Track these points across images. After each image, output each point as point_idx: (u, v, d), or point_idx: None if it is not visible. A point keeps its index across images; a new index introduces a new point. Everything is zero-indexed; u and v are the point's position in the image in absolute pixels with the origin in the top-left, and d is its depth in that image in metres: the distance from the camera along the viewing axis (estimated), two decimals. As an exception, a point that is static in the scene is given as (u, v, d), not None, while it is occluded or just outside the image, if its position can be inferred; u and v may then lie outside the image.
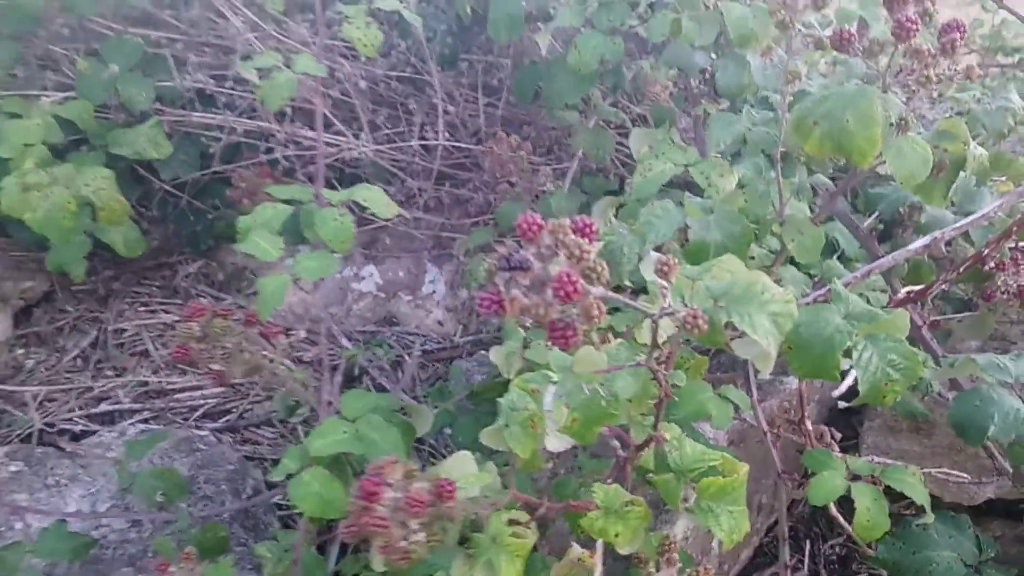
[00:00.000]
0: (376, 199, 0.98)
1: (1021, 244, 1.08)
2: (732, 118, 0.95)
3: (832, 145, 0.68)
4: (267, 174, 1.35)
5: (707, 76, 1.17)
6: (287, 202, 0.99)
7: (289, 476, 0.87)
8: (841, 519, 0.91)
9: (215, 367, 0.94)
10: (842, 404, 1.06)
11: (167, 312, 1.55)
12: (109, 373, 1.45)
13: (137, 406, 1.37)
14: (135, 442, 1.09)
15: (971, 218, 0.86)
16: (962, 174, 0.82)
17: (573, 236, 0.52)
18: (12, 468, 1.22)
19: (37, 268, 1.54)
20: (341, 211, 0.98)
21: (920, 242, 0.83)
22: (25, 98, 1.23)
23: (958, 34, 0.69)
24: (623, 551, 0.68)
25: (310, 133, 1.38)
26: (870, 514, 0.83)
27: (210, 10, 1.32)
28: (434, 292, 1.54)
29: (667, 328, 0.61)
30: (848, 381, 1.02)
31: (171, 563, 0.82)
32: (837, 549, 1.24)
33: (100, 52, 1.29)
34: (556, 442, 0.65)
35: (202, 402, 1.39)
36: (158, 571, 0.81)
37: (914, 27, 0.65)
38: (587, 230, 0.52)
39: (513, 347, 0.89)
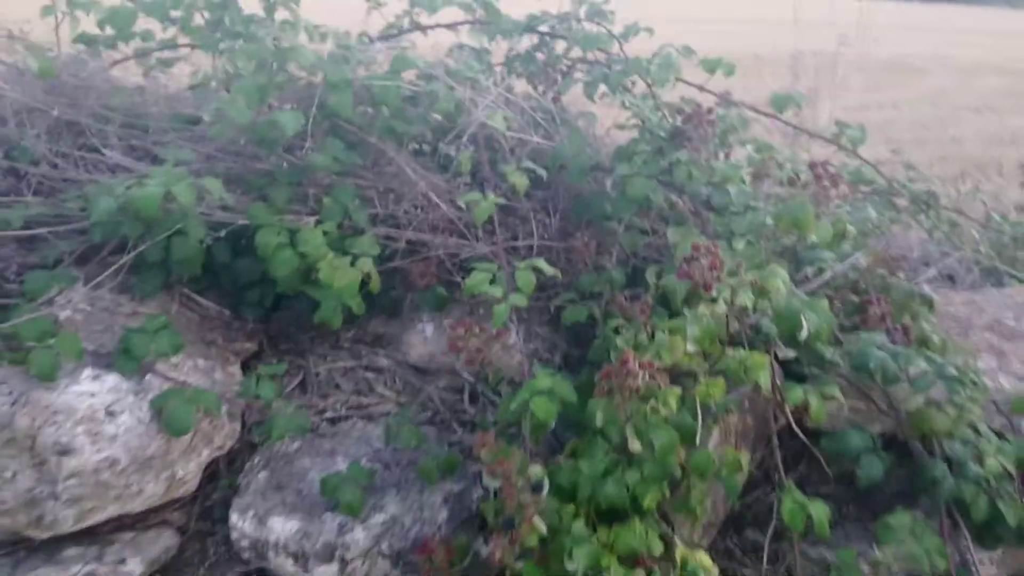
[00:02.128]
0: (545, 266, 1.83)
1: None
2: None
3: (790, 225, 1.57)
4: (433, 265, 2.18)
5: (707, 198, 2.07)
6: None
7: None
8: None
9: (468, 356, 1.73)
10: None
11: (340, 360, 2.30)
12: (317, 400, 2.17)
13: (349, 414, 2.11)
14: (396, 417, 1.85)
15: (848, 262, 1.77)
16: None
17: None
18: (295, 445, 1.94)
19: (252, 332, 2.27)
20: (528, 272, 1.81)
21: (842, 267, 1.72)
22: (298, 217, 2.03)
23: (830, 174, 1.61)
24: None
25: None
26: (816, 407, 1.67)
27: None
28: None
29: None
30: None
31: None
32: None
33: (333, 191, 2.10)
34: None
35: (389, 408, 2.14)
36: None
37: (822, 171, 1.54)
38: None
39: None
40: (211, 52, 2.39)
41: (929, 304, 2.17)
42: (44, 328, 1.67)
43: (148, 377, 1.74)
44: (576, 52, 2.58)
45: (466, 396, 2.25)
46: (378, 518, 1.76)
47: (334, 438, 1.99)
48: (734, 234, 1.81)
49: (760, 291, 1.46)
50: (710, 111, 2.02)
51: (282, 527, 1.73)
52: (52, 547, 1.68)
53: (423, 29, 2.63)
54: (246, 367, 2.22)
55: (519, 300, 1.77)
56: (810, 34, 5.70)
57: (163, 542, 1.74)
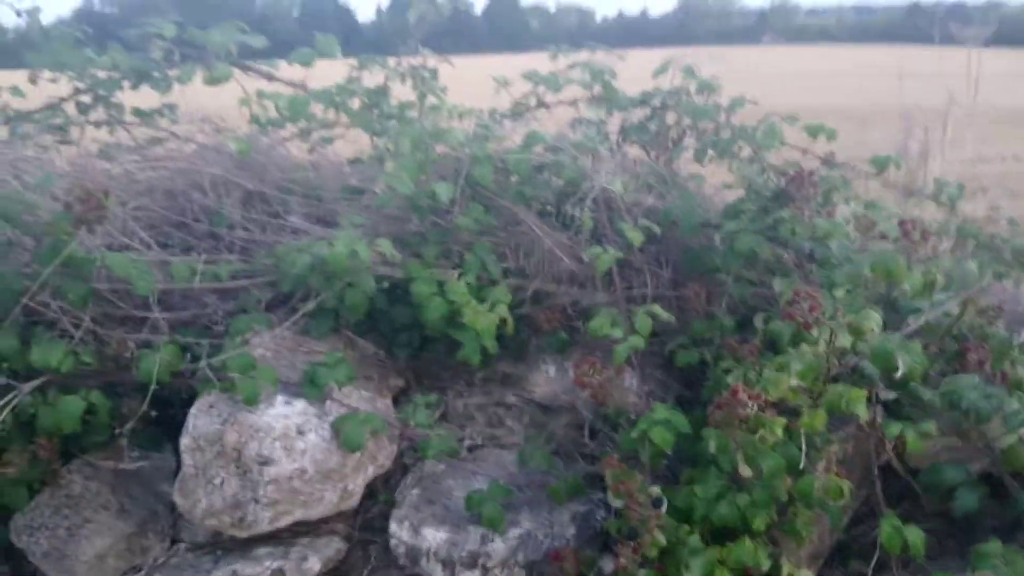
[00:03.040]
0: (659, 311, 2.08)
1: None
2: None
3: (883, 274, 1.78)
4: (557, 312, 2.47)
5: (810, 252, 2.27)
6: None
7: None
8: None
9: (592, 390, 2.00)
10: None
11: (475, 397, 2.60)
12: (457, 429, 2.47)
13: (483, 443, 2.40)
14: (528, 444, 2.13)
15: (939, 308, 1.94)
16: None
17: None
18: (440, 467, 2.24)
19: (401, 370, 2.61)
20: (645, 317, 2.07)
21: (934, 313, 1.90)
22: (444, 270, 2.36)
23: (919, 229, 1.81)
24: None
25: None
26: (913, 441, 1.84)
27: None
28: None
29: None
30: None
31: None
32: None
33: (473, 248, 2.42)
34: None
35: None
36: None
37: (910, 227, 1.75)
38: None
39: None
40: (369, 131, 2.80)
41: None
42: (246, 362, 2.03)
43: (328, 403, 2.08)
44: (686, 121, 2.85)
45: (586, 431, 2.50)
46: (514, 532, 2.02)
47: (473, 462, 2.28)
48: (835, 283, 2.02)
49: (856, 331, 1.66)
50: (812, 173, 2.24)
51: (433, 536, 2.02)
52: (245, 547, 2.02)
53: (547, 106, 2.97)
54: (396, 401, 2.55)
55: (637, 341, 2.02)
56: (918, 86, 5.77)
57: (334, 546, 2.06)
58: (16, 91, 2.81)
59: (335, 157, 3.17)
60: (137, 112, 3.03)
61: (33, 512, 2.05)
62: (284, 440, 1.94)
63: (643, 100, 2.82)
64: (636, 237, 2.24)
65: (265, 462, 1.91)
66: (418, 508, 2.10)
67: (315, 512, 2.00)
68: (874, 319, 1.71)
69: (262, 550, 1.99)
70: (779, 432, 1.65)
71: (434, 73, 2.75)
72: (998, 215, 2.66)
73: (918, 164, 4.29)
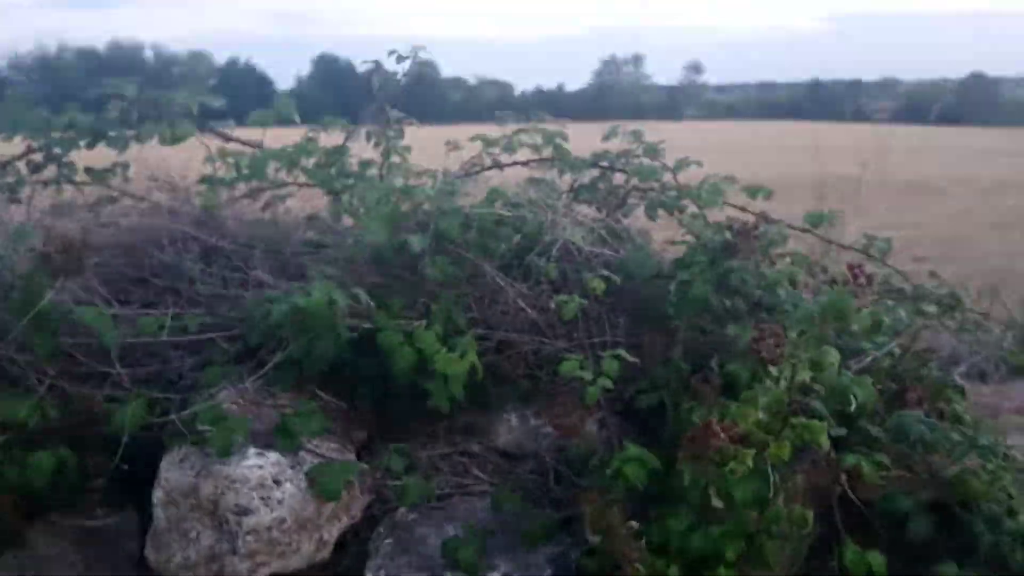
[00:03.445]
0: (626, 355, 2.18)
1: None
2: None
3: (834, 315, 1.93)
4: (520, 361, 2.53)
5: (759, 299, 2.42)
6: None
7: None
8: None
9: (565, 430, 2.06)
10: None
11: (439, 448, 2.63)
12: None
13: (451, 492, 2.43)
14: (498, 489, 2.17)
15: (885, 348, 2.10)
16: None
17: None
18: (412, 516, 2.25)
19: (363, 422, 2.62)
20: (612, 360, 2.16)
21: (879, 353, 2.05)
22: (409, 322, 2.41)
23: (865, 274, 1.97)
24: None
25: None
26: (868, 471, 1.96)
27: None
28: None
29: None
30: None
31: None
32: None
33: (439, 298, 2.49)
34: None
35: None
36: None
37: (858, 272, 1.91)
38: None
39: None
40: (327, 189, 2.87)
41: (961, 392, 2.47)
42: (216, 414, 2.03)
43: (301, 454, 2.08)
44: (633, 181, 3.02)
45: (551, 477, 2.55)
46: (492, 575, 2.04)
47: (443, 511, 2.30)
48: (786, 327, 2.16)
49: (816, 367, 1.79)
50: (756, 227, 2.41)
51: (414, 583, 2.02)
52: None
53: (501, 166, 3.09)
54: (358, 454, 2.56)
55: (605, 382, 2.11)
56: (831, 159, 6.18)
57: (310, 599, 2.04)
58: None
59: (288, 216, 3.21)
60: (89, 171, 3.02)
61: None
62: (261, 490, 1.93)
63: (593, 162, 2.97)
64: (598, 286, 2.35)
65: (243, 512, 1.89)
66: (392, 557, 2.11)
67: (292, 563, 1.99)
68: (833, 355, 1.84)
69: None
70: (749, 463, 1.74)
71: (399, 133, 2.85)
72: (922, 267, 2.88)
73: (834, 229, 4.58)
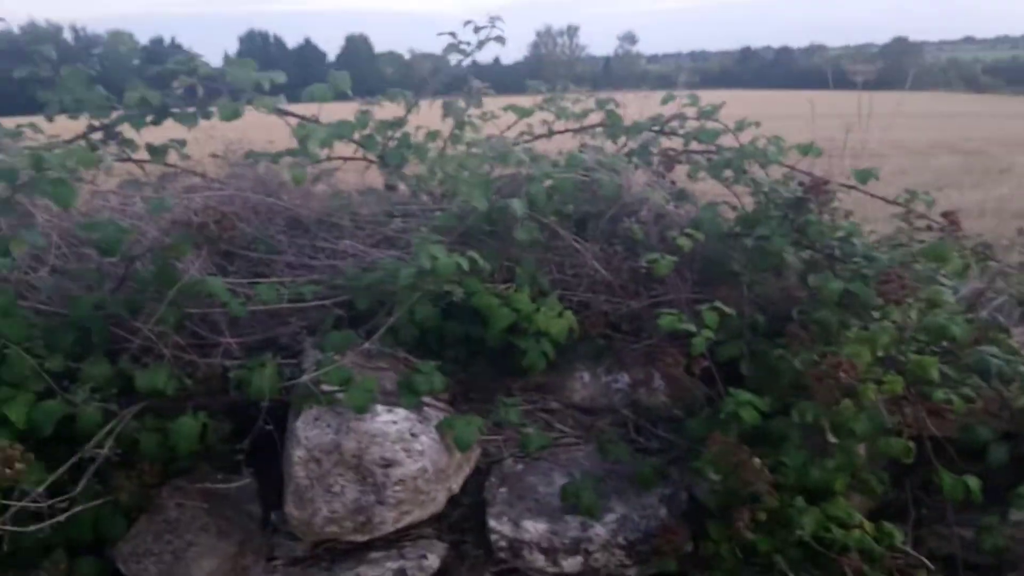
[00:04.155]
0: (724, 307, 2.30)
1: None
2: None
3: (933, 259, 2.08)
4: (600, 320, 2.65)
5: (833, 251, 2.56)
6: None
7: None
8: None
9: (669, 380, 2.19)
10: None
11: (520, 406, 2.74)
12: (513, 435, 2.60)
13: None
14: (604, 437, 2.29)
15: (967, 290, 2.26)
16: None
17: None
18: (518, 467, 2.36)
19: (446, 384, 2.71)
20: (712, 312, 2.29)
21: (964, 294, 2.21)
22: (495, 284, 2.50)
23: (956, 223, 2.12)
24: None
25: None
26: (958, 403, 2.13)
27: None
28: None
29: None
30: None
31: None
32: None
33: (522, 263, 2.58)
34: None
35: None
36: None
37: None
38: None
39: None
40: (394, 161, 2.92)
41: (1006, 331, 2.66)
42: (345, 375, 2.11)
43: (425, 409, 2.17)
44: (679, 143, 3.13)
45: (631, 428, 2.68)
46: (611, 517, 2.17)
47: (546, 461, 2.41)
48: (867, 277, 2.31)
49: (932, 304, 1.94)
50: (827, 181, 2.55)
51: (534, 528, 2.14)
52: (357, 552, 2.07)
53: (556, 133, 3.18)
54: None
55: (708, 334, 2.24)
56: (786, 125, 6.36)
57: (441, 545, 2.14)
58: (35, 127, 2.76)
59: (344, 187, 3.25)
60: (150, 148, 3.02)
61: (135, 539, 2.03)
62: (402, 443, 2.02)
63: (651, 126, 3.07)
64: (685, 243, 2.46)
65: (388, 464, 1.98)
66: (511, 504, 2.22)
67: (427, 512, 2.08)
68: (948, 294, 1.99)
69: (376, 554, 2.05)
70: (872, 396, 1.89)
71: (478, 102, 2.91)
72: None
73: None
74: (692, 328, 2.25)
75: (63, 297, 1.98)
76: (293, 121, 3.08)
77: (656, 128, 3.13)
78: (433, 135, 2.90)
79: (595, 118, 3.25)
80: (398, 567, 2.02)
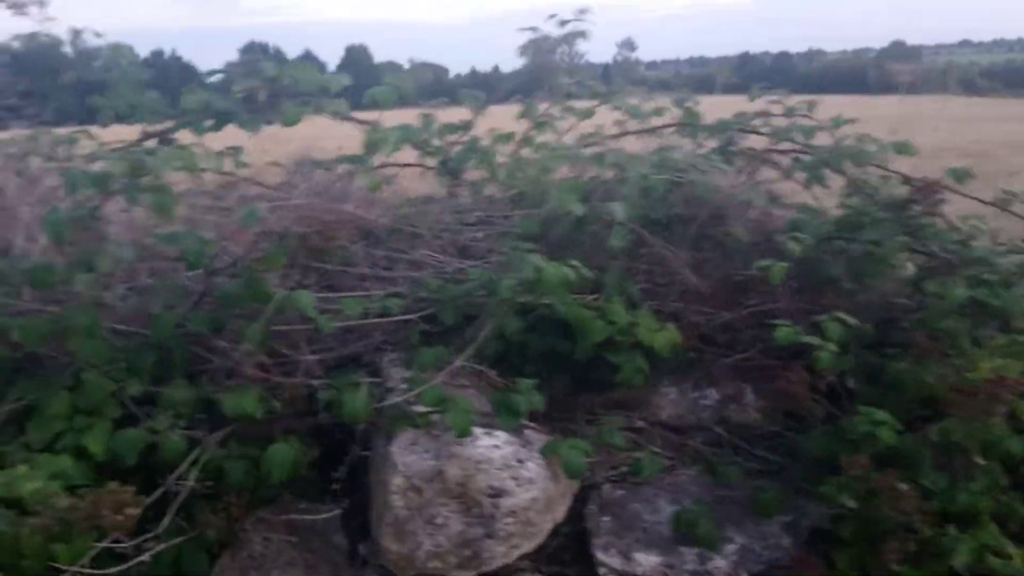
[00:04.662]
0: (847, 318, 2.12)
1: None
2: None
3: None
4: (693, 330, 2.47)
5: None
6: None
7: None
8: None
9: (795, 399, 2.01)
10: None
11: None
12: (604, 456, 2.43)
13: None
14: (718, 461, 2.12)
15: None
16: None
17: None
18: (617, 493, 2.19)
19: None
20: (834, 323, 2.11)
21: None
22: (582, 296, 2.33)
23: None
24: None
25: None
26: None
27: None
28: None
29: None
30: None
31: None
32: None
33: (609, 272, 2.42)
34: None
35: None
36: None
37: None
38: None
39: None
40: (460, 165, 2.78)
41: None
42: (439, 395, 1.94)
43: (526, 432, 2.01)
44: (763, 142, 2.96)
45: (727, 448, 2.50)
46: (730, 547, 1.99)
47: (648, 486, 2.24)
48: (990, 283, 2.13)
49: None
50: (937, 182, 2.37)
51: (646, 560, 1.97)
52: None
53: (633, 134, 3.02)
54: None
55: (833, 347, 2.06)
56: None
57: (545, 581, 1.97)
58: (88, 135, 2.62)
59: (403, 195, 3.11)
60: (208, 156, 2.88)
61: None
62: (509, 470, 1.86)
63: (732, 125, 2.90)
64: (795, 248, 2.29)
65: (497, 494, 1.82)
66: (618, 534, 2.05)
67: (533, 544, 1.92)
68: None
69: (481, 591, 1.89)
70: (1027, 415, 1.72)
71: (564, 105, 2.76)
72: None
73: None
74: (814, 341, 2.08)
75: (140, 316, 1.83)
76: (349, 127, 2.94)
77: (738, 127, 2.96)
78: (506, 138, 2.75)
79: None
80: (507, 602, 1.85)
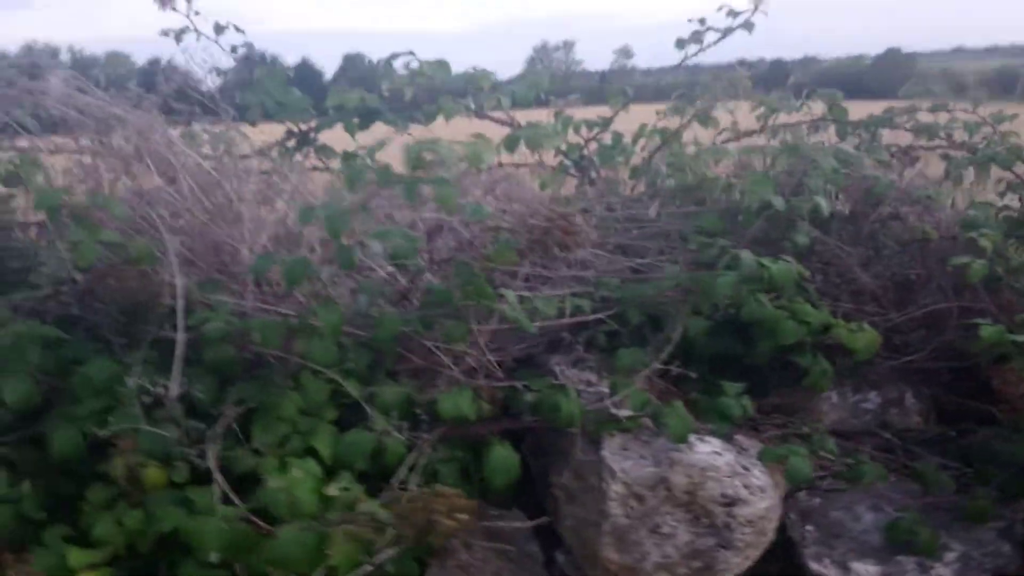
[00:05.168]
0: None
1: None
2: None
3: None
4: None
5: None
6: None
7: None
8: None
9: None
10: None
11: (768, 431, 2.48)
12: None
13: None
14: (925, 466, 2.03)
15: None
16: None
17: None
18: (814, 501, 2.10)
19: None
20: None
21: None
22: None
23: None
24: None
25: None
26: None
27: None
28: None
29: None
30: None
31: None
32: None
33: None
34: None
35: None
36: None
37: None
38: None
39: None
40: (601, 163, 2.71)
41: None
42: (643, 399, 1.87)
43: (737, 437, 1.93)
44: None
45: (899, 453, 2.41)
46: (950, 556, 1.91)
47: (847, 494, 2.14)
48: None
49: None
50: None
51: (864, 570, 1.88)
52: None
53: (777, 129, 2.94)
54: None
55: (1053, 348, 1.98)
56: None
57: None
58: (240, 133, 2.57)
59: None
60: (345, 155, 2.82)
61: (433, 587, 1.80)
62: (738, 477, 1.78)
63: (883, 120, 2.82)
64: (988, 245, 2.20)
65: (731, 503, 1.74)
66: (828, 544, 1.96)
67: (759, 554, 1.83)
68: None
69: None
70: None
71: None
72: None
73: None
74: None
75: (355, 315, 1.76)
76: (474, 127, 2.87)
77: (885, 123, 2.88)
78: (655, 132, 2.67)
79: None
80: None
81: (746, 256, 1.89)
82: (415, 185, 1.50)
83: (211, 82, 2.63)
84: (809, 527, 2.02)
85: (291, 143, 2.78)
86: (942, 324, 2.45)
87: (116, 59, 3.12)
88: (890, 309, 2.50)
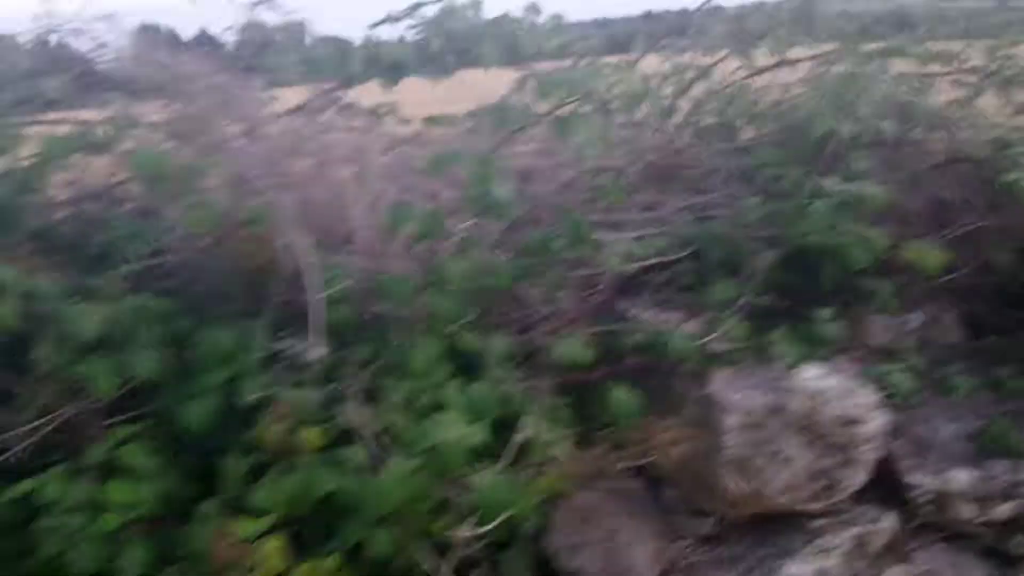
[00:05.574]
0: None
1: None
2: None
3: None
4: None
5: None
6: None
7: None
8: None
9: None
10: None
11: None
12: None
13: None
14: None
15: None
16: None
17: None
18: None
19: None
20: None
21: None
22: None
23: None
24: None
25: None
26: None
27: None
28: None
29: None
30: None
31: None
32: None
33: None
34: None
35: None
36: None
37: None
38: None
39: None
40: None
41: None
42: (741, 332, 1.89)
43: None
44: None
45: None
46: (1037, 457, 1.99)
47: (922, 408, 2.19)
48: None
49: None
50: None
51: (960, 476, 1.95)
52: (783, 526, 1.86)
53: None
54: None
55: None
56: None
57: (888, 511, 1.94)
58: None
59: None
60: (372, 111, 2.74)
61: (562, 531, 1.80)
62: (852, 399, 1.81)
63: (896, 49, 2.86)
64: (1026, 162, 2.26)
65: (852, 422, 1.77)
66: (919, 456, 2.02)
67: (872, 469, 1.88)
68: None
69: (817, 523, 1.85)
70: None
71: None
72: None
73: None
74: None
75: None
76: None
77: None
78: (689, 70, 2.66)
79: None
80: (861, 531, 1.81)
81: (832, 184, 1.90)
82: (566, 124, 1.46)
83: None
84: (898, 441, 2.08)
85: (340, 102, 2.67)
86: (983, 242, 2.52)
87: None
88: (928, 230, 2.56)
